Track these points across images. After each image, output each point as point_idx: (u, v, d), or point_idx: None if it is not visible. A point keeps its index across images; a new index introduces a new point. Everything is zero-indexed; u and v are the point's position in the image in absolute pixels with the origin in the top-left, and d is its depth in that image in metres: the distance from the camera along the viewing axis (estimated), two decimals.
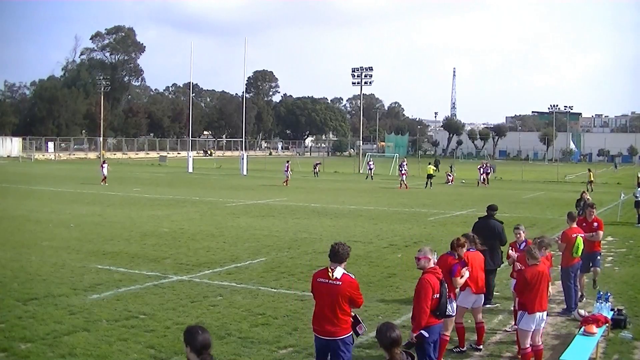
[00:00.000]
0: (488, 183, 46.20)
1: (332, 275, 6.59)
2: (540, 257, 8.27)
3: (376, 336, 4.88)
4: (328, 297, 6.59)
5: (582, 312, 10.08)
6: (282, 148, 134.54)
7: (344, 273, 6.65)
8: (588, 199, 19.92)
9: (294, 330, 9.71)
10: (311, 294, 6.98)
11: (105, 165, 40.18)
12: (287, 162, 44.05)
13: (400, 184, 41.41)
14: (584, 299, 12.01)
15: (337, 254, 6.65)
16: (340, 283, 6.56)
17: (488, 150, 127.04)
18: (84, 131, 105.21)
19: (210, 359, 4.52)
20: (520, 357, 8.34)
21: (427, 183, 42.27)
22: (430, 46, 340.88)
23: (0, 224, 20.81)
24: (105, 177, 39.19)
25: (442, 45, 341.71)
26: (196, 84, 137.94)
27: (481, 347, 9.10)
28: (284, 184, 42.00)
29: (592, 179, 42.57)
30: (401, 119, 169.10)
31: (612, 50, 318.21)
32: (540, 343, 8.21)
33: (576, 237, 11.18)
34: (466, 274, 8.42)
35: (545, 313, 8.15)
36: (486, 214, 12.16)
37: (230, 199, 30.84)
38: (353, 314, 6.71)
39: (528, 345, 8.08)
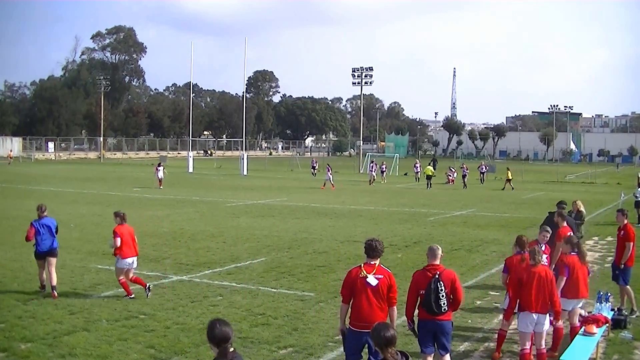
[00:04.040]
0: (465, 187, 43.10)
1: (373, 270, 6.91)
2: (540, 260, 8.21)
3: (371, 336, 4.87)
4: (373, 292, 6.84)
5: (582, 312, 10.07)
6: (282, 148, 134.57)
7: (382, 267, 7.02)
8: (581, 210, 19.25)
9: (294, 330, 9.70)
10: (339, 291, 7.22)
11: (160, 169, 38.02)
12: (372, 162, 47.69)
13: (324, 183, 40.12)
14: (635, 314, 11.07)
15: (375, 249, 6.97)
16: (381, 276, 6.89)
17: (488, 151, 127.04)
18: (84, 131, 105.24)
19: (225, 351, 4.43)
20: (519, 358, 8.32)
21: (428, 184, 42.21)
22: (430, 46, 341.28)
23: (0, 224, 20.81)
24: (160, 180, 37.29)
25: (442, 45, 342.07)
26: (196, 84, 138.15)
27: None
28: (371, 183, 44.21)
29: (510, 177, 42.42)
30: (401, 119, 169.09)
31: (612, 50, 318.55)
32: (543, 346, 8.14)
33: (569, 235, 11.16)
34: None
35: (546, 316, 8.03)
36: (557, 208, 12.70)
37: (230, 199, 30.84)
38: None
39: (527, 347, 8.06)
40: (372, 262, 6.95)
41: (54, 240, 11.75)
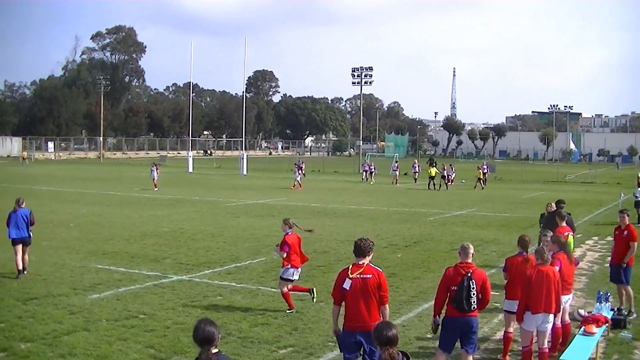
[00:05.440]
0: (447, 187, 41.02)
1: (361, 269, 6.87)
2: (549, 259, 8.23)
3: (373, 334, 4.86)
4: (362, 291, 6.80)
5: (582, 312, 10.08)
6: (282, 148, 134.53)
7: (371, 266, 6.97)
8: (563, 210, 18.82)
9: (293, 330, 9.71)
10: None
11: (154, 169, 36.20)
12: (396, 162, 48.90)
13: (294, 184, 39.07)
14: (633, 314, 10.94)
15: (361, 249, 6.94)
16: (370, 276, 6.84)
17: (488, 150, 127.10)
18: (84, 131, 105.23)
19: (208, 354, 4.38)
20: (521, 356, 8.33)
21: (429, 184, 41.43)
22: (430, 46, 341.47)
23: (0, 223, 20.77)
24: (154, 180, 35.66)
25: (442, 45, 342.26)
26: (196, 84, 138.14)
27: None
28: (393, 182, 45.32)
29: (481, 176, 42.35)
30: (401, 119, 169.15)
31: (611, 49, 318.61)
32: (545, 345, 8.15)
33: (567, 235, 11.16)
34: None
35: (551, 315, 8.03)
36: (555, 207, 13.01)
37: (230, 199, 30.84)
38: None
39: (528, 344, 8.08)
40: (361, 262, 6.90)
41: (27, 229, 13.12)
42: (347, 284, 6.81)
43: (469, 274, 7.32)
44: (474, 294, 7.28)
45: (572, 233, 11.58)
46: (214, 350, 4.44)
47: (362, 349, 6.83)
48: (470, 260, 7.49)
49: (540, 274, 7.95)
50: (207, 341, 4.42)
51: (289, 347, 8.97)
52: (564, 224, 11.46)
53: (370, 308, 6.81)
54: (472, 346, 7.48)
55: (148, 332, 9.42)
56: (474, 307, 7.33)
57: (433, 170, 42.40)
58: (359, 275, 6.82)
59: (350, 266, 6.95)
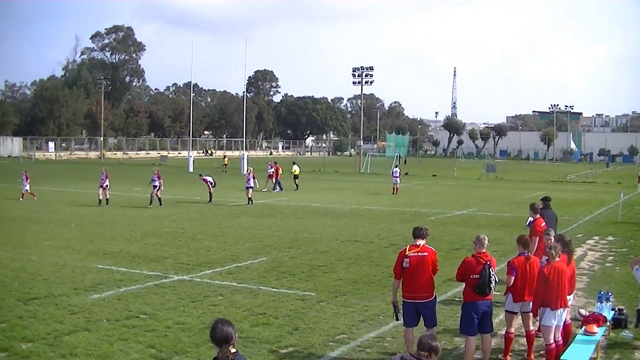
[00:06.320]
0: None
1: (417, 249, 8.15)
2: (559, 255, 8.30)
3: (418, 342, 5.00)
4: (420, 266, 8.06)
5: (582, 311, 10.07)
6: (282, 148, 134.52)
7: (426, 246, 8.23)
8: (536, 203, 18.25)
9: (294, 330, 9.71)
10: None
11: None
12: (397, 166, 40.46)
13: (267, 184, 37.07)
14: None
15: (420, 230, 8.30)
16: (426, 254, 8.12)
17: (489, 150, 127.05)
18: (84, 131, 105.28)
19: (227, 353, 4.42)
20: (545, 352, 8.40)
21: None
22: (431, 46, 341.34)
23: (0, 223, 20.82)
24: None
25: (443, 44, 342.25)
26: (196, 84, 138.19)
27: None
28: (394, 192, 36.18)
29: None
30: (402, 119, 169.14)
31: (613, 49, 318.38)
32: (559, 338, 8.36)
33: (544, 226, 11.28)
34: None
35: (566, 310, 8.36)
36: (542, 205, 13.24)
37: (230, 199, 30.85)
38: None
39: (552, 341, 8.19)
40: (418, 243, 8.16)
41: None
42: (405, 263, 8.04)
43: (488, 263, 8.06)
44: (493, 279, 8.03)
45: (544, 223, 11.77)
46: (233, 350, 4.46)
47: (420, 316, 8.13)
48: (484, 250, 8.21)
49: (555, 271, 8.12)
50: (226, 340, 4.46)
51: (289, 347, 8.98)
52: (537, 216, 12.08)
53: (427, 281, 8.07)
54: (490, 326, 8.31)
55: (149, 332, 9.43)
56: (492, 291, 8.13)
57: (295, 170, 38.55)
58: (416, 253, 8.06)
59: (408, 246, 8.17)
